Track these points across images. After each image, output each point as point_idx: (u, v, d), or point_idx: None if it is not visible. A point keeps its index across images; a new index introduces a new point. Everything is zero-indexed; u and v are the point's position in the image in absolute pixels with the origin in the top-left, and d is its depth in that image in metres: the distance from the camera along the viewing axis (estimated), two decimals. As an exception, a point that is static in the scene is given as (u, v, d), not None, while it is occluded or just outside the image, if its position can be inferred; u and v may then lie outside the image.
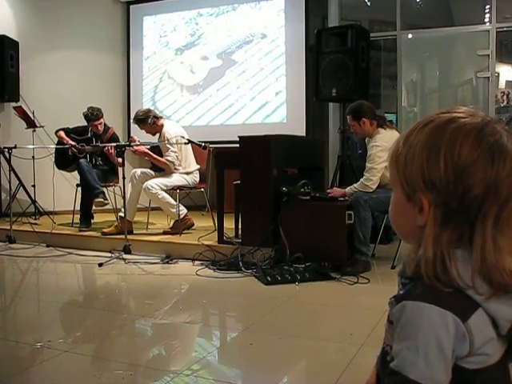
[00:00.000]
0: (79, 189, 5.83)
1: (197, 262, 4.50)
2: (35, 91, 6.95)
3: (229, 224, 4.80)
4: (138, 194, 5.39)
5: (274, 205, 4.36)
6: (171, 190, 5.38)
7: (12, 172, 5.86)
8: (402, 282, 0.94)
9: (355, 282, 3.80)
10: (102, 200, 5.53)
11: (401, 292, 0.91)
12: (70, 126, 6.10)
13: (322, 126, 6.85)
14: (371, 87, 6.14)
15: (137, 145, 5.33)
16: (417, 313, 0.84)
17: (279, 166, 4.55)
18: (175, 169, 5.43)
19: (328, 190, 4.50)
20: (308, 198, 4.41)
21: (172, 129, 5.50)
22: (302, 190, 4.42)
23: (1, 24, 6.86)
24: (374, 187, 4.14)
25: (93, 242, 5.26)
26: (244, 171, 4.53)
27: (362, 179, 4.20)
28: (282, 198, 4.36)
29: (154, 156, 5.41)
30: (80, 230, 5.57)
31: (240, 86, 7.11)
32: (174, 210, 5.25)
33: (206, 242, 4.66)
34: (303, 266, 4.00)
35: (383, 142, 4.15)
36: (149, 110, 5.62)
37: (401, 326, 0.86)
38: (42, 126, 6.40)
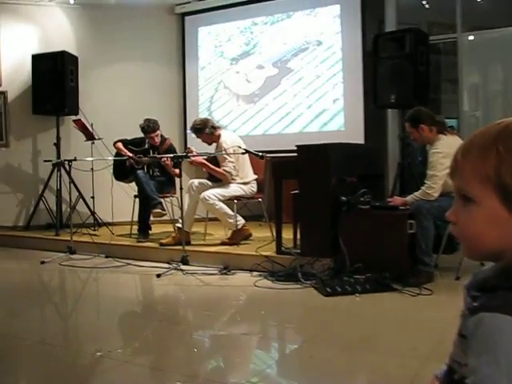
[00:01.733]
0: (137, 200, 5.91)
1: (255, 273, 4.49)
2: (93, 104, 7.11)
3: (287, 234, 4.78)
4: (196, 205, 5.42)
5: (333, 214, 4.31)
6: (228, 201, 5.39)
7: (72, 184, 6.02)
8: (472, 295, 0.89)
9: (418, 294, 3.70)
10: (160, 211, 5.59)
11: (475, 304, 0.86)
12: (128, 138, 6.22)
13: (380, 133, 6.73)
14: (431, 92, 6.01)
15: (194, 155, 5.38)
16: (497, 325, 0.79)
17: (338, 175, 4.50)
18: (232, 179, 5.45)
19: (388, 199, 4.43)
20: (368, 207, 4.33)
21: (229, 139, 5.53)
22: (362, 199, 4.34)
23: (62, 40, 7.09)
24: (436, 195, 4.04)
25: (151, 252, 5.33)
26: (302, 180, 4.51)
27: (423, 187, 4.11)
28: (342, 207, 4.30)
29: (212, 166, 5.44)
30: (138, 241, 5.64)
31: (296, 94, 7.10)
32: (232, 221, 5.27)
33: (264, 253, 4.64)
34: (363, 276, 3.93)
35: (444, 149, 4.05)
36: (207, 120, 5.66)
37: (478, 340, 0.81)
38: (101, 139, 6.55)
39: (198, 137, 5.65)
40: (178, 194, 5.52)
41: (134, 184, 5.97)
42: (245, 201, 5.75)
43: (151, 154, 5.84)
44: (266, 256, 4.60)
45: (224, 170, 5.40)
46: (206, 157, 5.51)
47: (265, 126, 7.33)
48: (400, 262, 4.04)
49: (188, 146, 6.74)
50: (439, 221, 4.12)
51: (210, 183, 5.51)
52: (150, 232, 6.00)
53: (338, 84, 6.83)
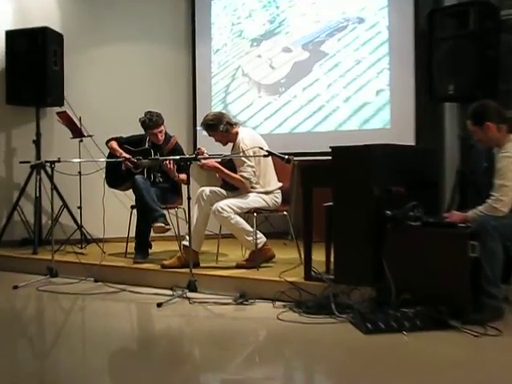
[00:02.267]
0: (135, 211, 5.91)
1: (278, 303, 4.49)
2: (82, 93, 7.13)
3: (318, 256, 4.80)
4: (206, 218, 5.44)
5: (375, 232, 4.31)
6: (247, 214, 5.40)
7: (54, 191, 5.98)
8: None
9: (482, 334, 3.66)
10: (163, 225, 5.58)
11: None
12: (124, 135, 6.20)
13: (436, 132, 6.67)
14: (501, 81, 5.89)
15: (205, 158, 5.39)
16: None
17: (382, 184, 4.48)
18: (252, 187, 5.46)
19: (445, 214, 4.39)
20: (419, 223, 4.29)
21: (248, 138, 5.53)
22: (412, 213, 4.31)
23: (43, 13, 7.11)
24: (506, 210, 4.00)
25: (150, 276, 5.37)
26: (337, 190, 4.52)
27: (489, 200, 4.05)
28: (386, 223, 4.30)
29: (226, 172, 5.45)
30: (135, 262, 5.66)
31: (331, 84, 7.09)
32: (250, 238, 5.28)
33: (289, 279, 4.66)
34: (413, 310, 3.90)
35: (517, 153, 4.03)
36: (221, 114, 5.69)
37: None
38: (91, 136, 6.53)
39: (210, 135, 5.68)
40: (184, 205, 5.47)
41: (130, 192, 5.97)
42: (267, 214, 5.78)
43: (153, 156, 5.84)
44: (292, 282, 4.61)
45: (242, 176, 5.41)
46: (219, 159, 5.51)
47: (292, 123, 7.32)
48: (459, 293, 4.00)
49: (198, 146, 6.76)
50: (509, 242, 4.08)
51: (224, 192, 5.52)
52: (150, 251, 6.01)
53: (383, 71, 6.82)
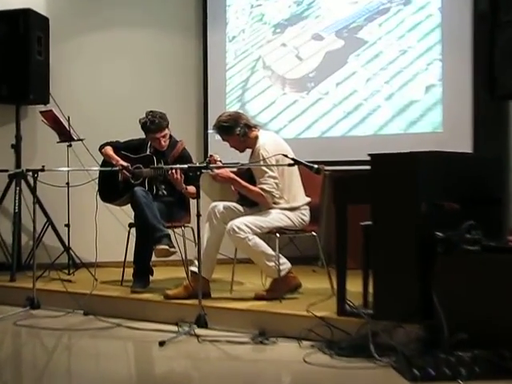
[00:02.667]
0: (133, 231, 5.91)
1: (305, 343, 4.46)
2: (72, 89, 7.20)
3: (354, 286, 4.78)
4: (219, 240, 5.44)
5: (423, 258, 4.27)
6: (268, 234, 5.39)
7: (37, 205, 5.97)
8: None
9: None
10: (167, 247, 5.58)
11: None
12: (121, 140, 6.23)
13: (499, 136, 6.62)
14: None
15: (218, 167, 5.40)
16: None
17: (432, 199, 4.45)
18: (274, 202, 5.44)
19: (510, 237, 4.35)
20: (477, 247, 4.24)
21: (270, 143, 5.52)
22: (468, 235, 4.25)
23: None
24: None
25: (151, 309, 5.36)
26: (377, 206, 4.51)
27: None
28: (437, 247, 4.25)
29: (244, 183, 5.45)
30: (133, 292, 5.66)
31: (371, 79, 7.10)
32: (272, 264, 5.27)
33: (318, 313, 4.62)
34: (470, 354, 3.82)
35: None
36: (238, 115, 5.68)
37: None
38: (81, 140, 6.55)
39: (224, 139, 5.68)
40: (193, 223, 5.47)
41: (128, 207, 5.98)
42: (292, 235, 5.74)
43: (155, 164, 5.89)
44: (322, 318, 4.57)
45: (262, 189, 5.38)
46: (235, 169, 5.53)
47: (323, 126, 7.31)
48: (527, 334, 3.97)
49: (210, 152, 6.72)
50: None
51: (241, 208, 5.51)
52: (152, 278, 6.00)
53: (433, 63, 6.80)
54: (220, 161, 5.48)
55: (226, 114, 5.69)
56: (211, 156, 5.57)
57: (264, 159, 5.33)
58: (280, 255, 5.31)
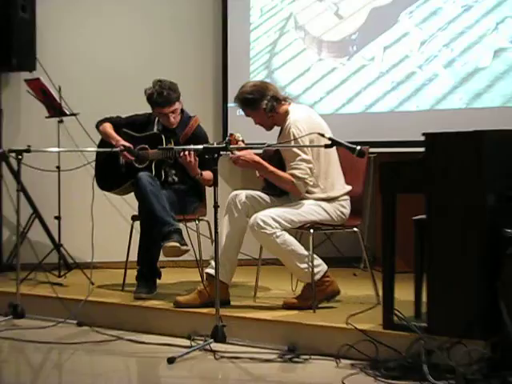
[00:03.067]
0: (137, 225, 5.90)
1: (344, 362, 4.42)
2: (63, 53, 7.22)
3: (403, 293, 4.77)
4: (241, 236, 5.41)
5: (489, 260, 4.21)
6: (299, 230, 5.38)
7: (22, 193, 5.98)
8: None
9: None
10: (178, 245, 5.50)
11: None
12: (123, 115, 6.22)
13: None
14: None
15: (240, 148, 5.33)
16: None
17: (500, 188, 4.38)
18: (307, 191, 5.40)
19: None
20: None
21: (303, 119, 5.44)
22: (545, 234, 4.26)
23: None
24: None
25: (159, 318, 5.35)
26: (433, 197, 4.43)
27: None
28: (506, 247, 4.19)
29: (270, 168, 5.38)
30: (137, 298, 5.65)
31: (427, 41, 7.01)
32: (305, 266, 5.22)
33: (360, 326, 4.58)
34: (547, 378, 3.84)
35: None
36: (265, 86, 5.61)
37: None
38: (75, 114, 6.54)
39: (248, 115, 5.63)
40: (209, 216, 5.41)
41: (131, 197, 5.99)
42: (329, 231, 5.69)
43: (164, 144, 5.89)
44: (365, 331, 4.53)
45: (292, 175, 5.33)
46: (261, 151, 5.51)
47: (367, 99, 7.26)
48: None
49: (230, 131, 6.61)
50: None
51: (267, 198, 5.51)
52: (159, 282, 5.96)
53: (505, 21, 6.69)
54: (242, 140, 5.38)
55: (250, 85, 5.64)
56: (231, 135, 5.45)
57: (296, 139, 5.27)
58: (314, 255, 5.26)
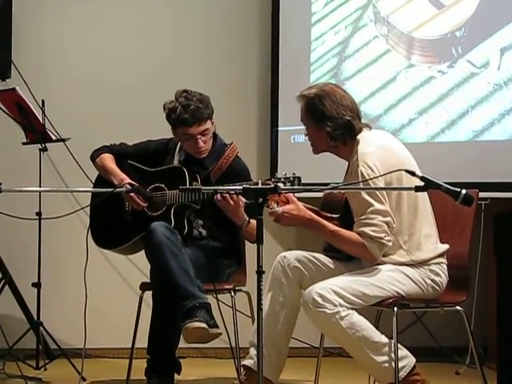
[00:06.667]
0: (148, 296, 5.26)
1: None
2: (48, 56, 6.83)
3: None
4: (293, 315, 4.79)
5: None
6: (375, 307, 4.73)
7: None
8: None
9: None
10: (205, 326, 4.89)
11: None
12: (129, 142, 5.62)
13: None
14: None
15: (294, 190, 4.51)
16: None
17: None
18: (384, 254, 4.69)
19: None
20: None
21: (374, 153, 4.72)
22: None
23: None
24: None
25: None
26: None
27: None
28: None
29: (329, 228, 4.72)
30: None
31: None
32: (383, 359, 4.53)
33: None
34: None
35: None
36: (346, 103, 4.82)
37: None
38: (64, 140, 6.08)
39: (303, 121, 4.95)
40: (250, 286, 5.06)
41: (141, 256, 5.34)
42: (419, 309, 5.34)
43: (188, 183, 5.23)
44: None
45: (362, 234, 4.62)
46: (321, 193, 4.94)
47: (477, 122, 6.49)
48: None
49: (281, 166, 6.30)
50: None
51: (329, 262, 4.83)
52: (178, 378, 5.32)
53: None
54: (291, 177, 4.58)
55: (328, 89, 4.91)
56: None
57: (365, 180, 4.59)
58: (399, 345, 4.55)
